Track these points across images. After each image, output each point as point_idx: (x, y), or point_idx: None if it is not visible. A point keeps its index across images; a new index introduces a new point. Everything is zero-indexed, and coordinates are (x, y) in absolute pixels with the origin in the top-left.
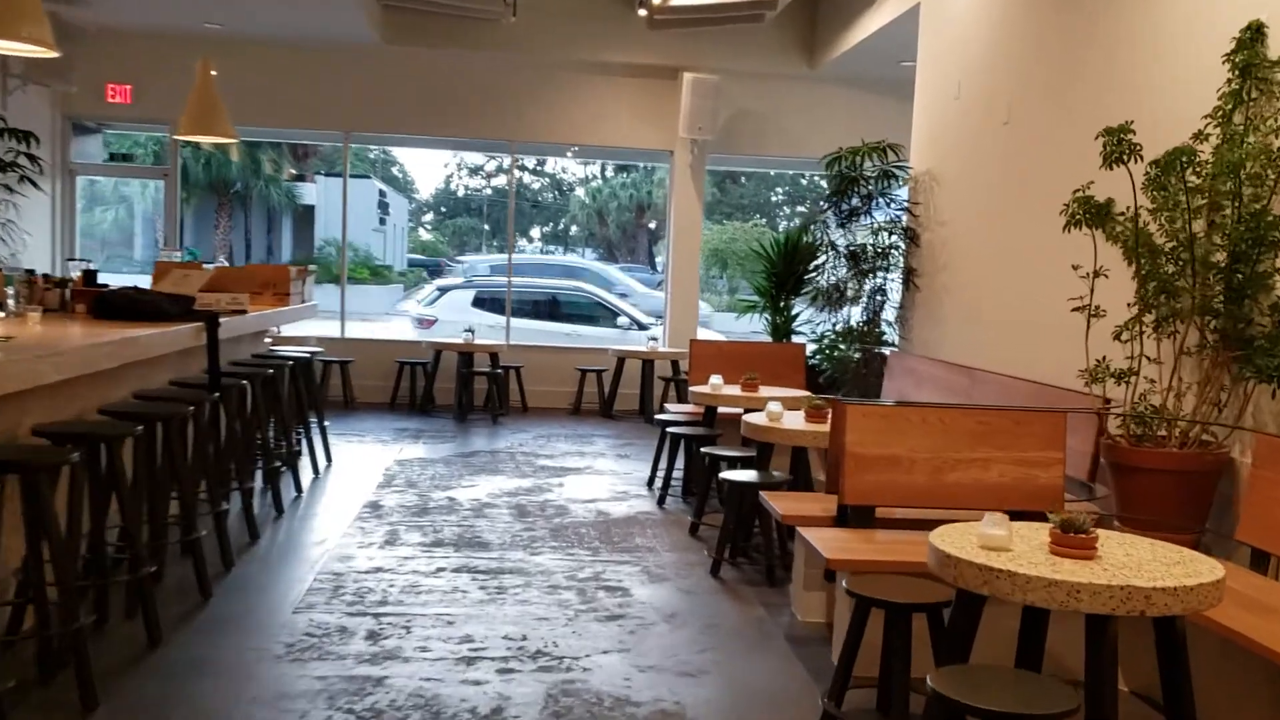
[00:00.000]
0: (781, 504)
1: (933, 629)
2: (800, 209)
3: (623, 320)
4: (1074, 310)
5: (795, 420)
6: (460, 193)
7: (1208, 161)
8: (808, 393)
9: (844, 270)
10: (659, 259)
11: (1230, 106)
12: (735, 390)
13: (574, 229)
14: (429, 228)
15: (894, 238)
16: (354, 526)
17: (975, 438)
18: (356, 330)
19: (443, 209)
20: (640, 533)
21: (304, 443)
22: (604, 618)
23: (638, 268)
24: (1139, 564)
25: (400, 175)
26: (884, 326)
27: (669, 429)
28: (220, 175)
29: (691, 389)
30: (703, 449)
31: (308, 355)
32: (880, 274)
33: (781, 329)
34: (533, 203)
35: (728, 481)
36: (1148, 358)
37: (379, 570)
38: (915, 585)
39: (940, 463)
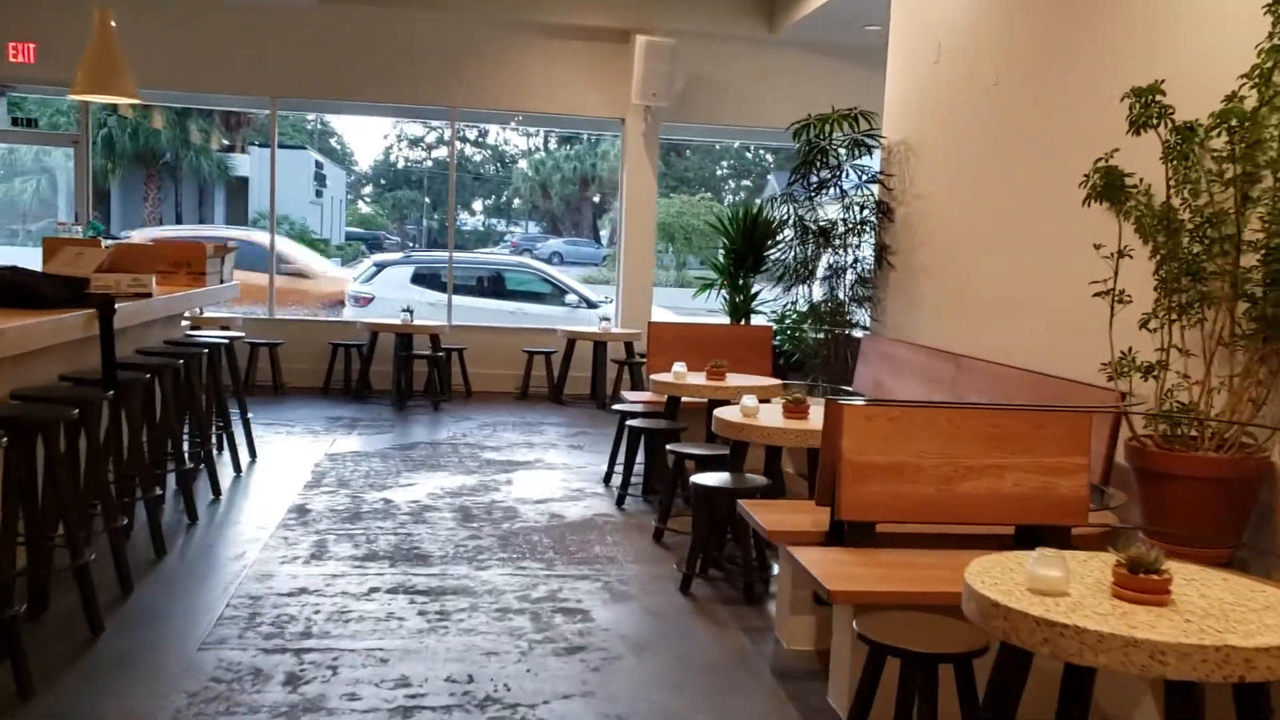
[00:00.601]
0: (764, 516)
1: (961, 682)
2: (745, 183)
3: (571, 298)
4: (1095, 295)
5: (772, 415)
6: (400, 165)
7: (1243, 126)
8: (776, 380)
9: (811, 246)
10: (603, 232)
11: (1270, 65)
12: (700, 379)
13: (516, 201)
14: (368, 200)
15: (865, 212)
16: (276, 537)
17: (989, 442)
18: (287, 309)
19: (382, 181)
20: (599, 540)
21: (225, 438)
22: (563, 650)
23: (582, 241)
24: (1222, 610)
25: (338, 147)
26: (851, 307)
27: (628, 421)
28: (148, 145)
29: (652, 377)
30: (669, 447)
31: (226, 340)
32: (851, 251)
33: (741, 308)
34: (474, 175)
35: (699, 486)
36: (1177, 349)
37: (303, 592)
38: (936, 626)
39: (950, 471)
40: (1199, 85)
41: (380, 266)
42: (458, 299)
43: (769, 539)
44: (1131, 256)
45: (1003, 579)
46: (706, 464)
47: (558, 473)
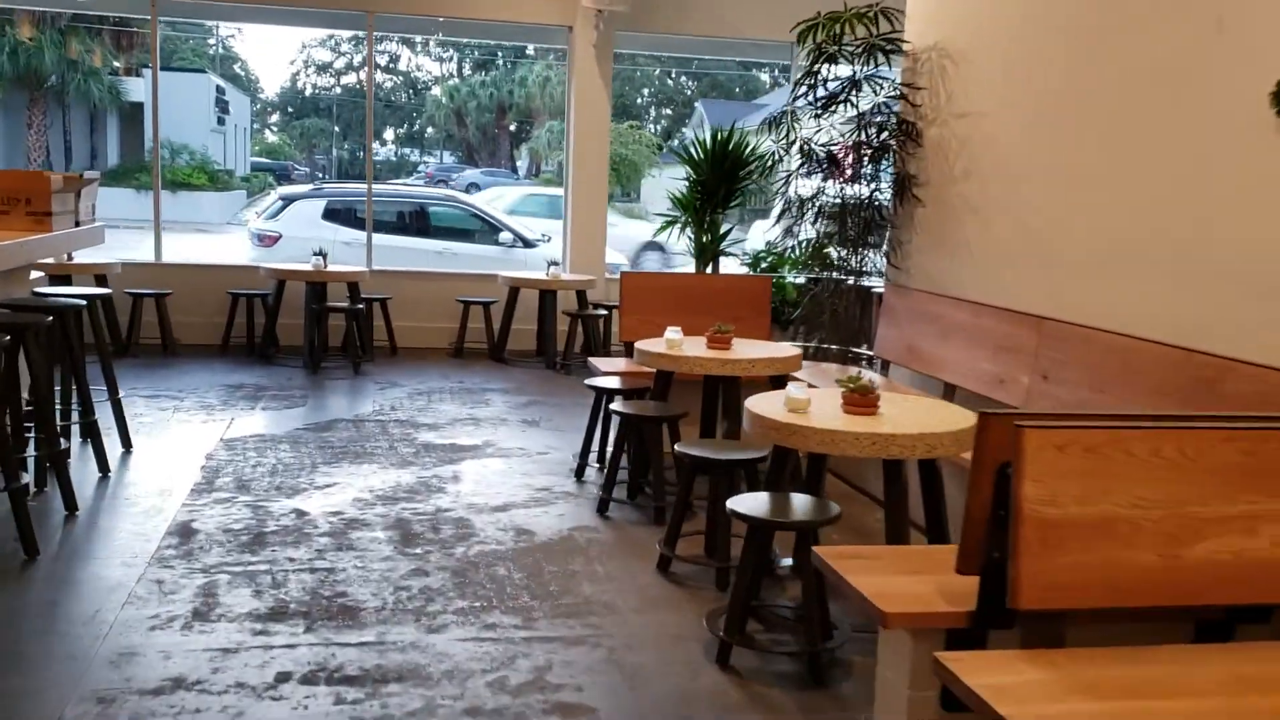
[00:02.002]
0: (864, 580)
1: None
2: (667, 111)
3: (505, 236)
4: None
5: (827, 409)
6: (308, 91)
7: None
8: (795, 349)
9: (819, 177)
10: (521, 163)
11: None
12: (699, 348)
13: (430, 130)
14: (275, 129)
15: (885, 135)
16: (147, 581)
17: (1237, 477)
18: (179, 250)
19: (290, 109)
20: (586, 572)
21: (87, 428)
22: None
23: (500, 172)
24: None
25: (242, 73)
26: (864, 251)
27: (611, 406)
28: (31, 67)
29: (638, 346)
30: (678, 448)
31: (84, 301)
32: (867, 181)
33: (709, 250)
34: (386, 103)
35: (740, 516)
36: None
37: (178, 685)
38: None
39: (1179, 525)
40: None
41: (287, 201)
42: (378, 238)
43: (884, 624)
44: None
45: None
46: (725, 471)
47: (514, 462)
